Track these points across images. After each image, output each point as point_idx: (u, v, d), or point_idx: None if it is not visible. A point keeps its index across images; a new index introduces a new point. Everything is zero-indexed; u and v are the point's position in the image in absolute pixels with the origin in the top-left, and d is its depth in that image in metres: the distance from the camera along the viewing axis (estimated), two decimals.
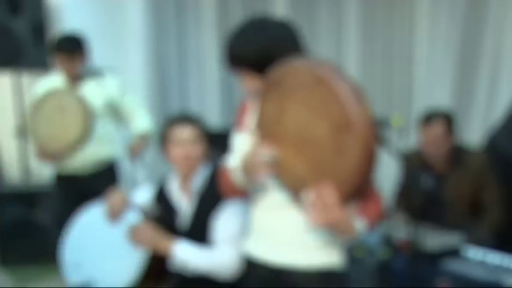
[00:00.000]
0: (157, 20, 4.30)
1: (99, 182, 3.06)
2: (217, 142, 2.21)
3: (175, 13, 4.41)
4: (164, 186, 2.26)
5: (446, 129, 2.77)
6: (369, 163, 1.39)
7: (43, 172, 3.97)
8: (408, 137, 3.65)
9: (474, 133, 3.87)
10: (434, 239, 2.44)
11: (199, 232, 2.09)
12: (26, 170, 4.11)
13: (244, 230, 1.91)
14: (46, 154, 3.02)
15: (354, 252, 2.56)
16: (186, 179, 2.17)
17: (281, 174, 1.54)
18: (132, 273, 2.13)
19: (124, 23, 4.15)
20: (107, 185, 2.59)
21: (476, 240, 2.51)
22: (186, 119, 2.16)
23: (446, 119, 2.79)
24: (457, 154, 2.82)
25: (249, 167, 1.54)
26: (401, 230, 2.54)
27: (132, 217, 2.21)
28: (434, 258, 2.35)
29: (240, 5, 4.43)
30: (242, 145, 1.67)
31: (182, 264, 2.05)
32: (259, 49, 1.55)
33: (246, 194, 1.71)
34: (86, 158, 3.13)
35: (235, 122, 1.75)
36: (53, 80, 3.23)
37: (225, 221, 2.04)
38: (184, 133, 2.11)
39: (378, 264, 2.55)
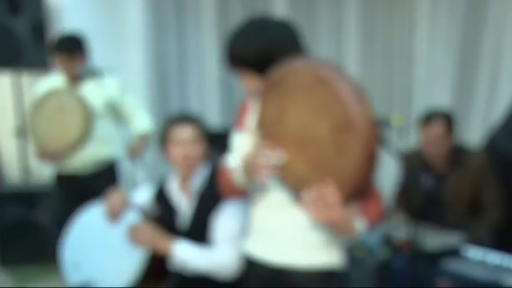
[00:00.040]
0: (157, 20, 4.30)
1: (99, 182, 3.06)
2: (217, 142, 2.21)
3: (175, 13, 4.41)
4: (164, 186, 2.26)
5: (446, 129, 2.77)
6: (369, 163, 1.39)
7: (43, 172, 3.97)
8: (408, 137, 3.65)
9: (474, 133, 3.87)
10: (434, 239, 2.44)
11: (199, 232, 2.09)
12: (26, 170, 4.11)
13: (244, 229, 1.91)
14: (46, 154, 3.02)
15: (354, 252, 2.56)
16: (185, 179, 2.17)
17: (282, 174, 1.54)
18: (132, 273, 2.13)
19: (124, 23, 4.15)
20: (106, 185, 2.59)
21: (476, 240, 2.51)
22: (186, 118, 2.16)
23: (446, 119, 2.79)
24: (457, 154, 2.82)
25: (250, 167, 1.54)
26: (401, 230, 2.54)
27: (132, 217, 2.21)
28: (434, 258, 2.35)
29: (240, 5, 4.43)
30: (242, 145, 1.67)
31: (182, 264, 2.05)
32: (259, 49, 1.55)
33: (245, 194, 1.71)
34: (86, 158, 3.13)
35: (235, 122, 1.75)
36: (53, 80, 3.23)
37: (225, 221, 2.04)
38: (184, 133, 2.11)
39: (378, 264, 2.55)
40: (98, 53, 3.35)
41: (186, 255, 2.04)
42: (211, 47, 4.39)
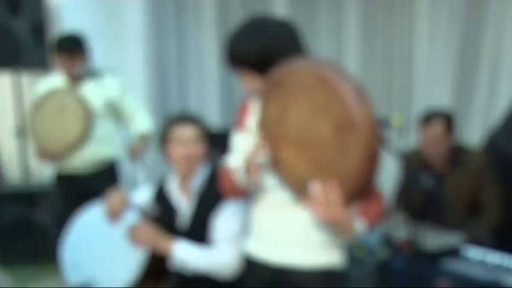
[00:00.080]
0: (157, 20, 4.30)
1: (99, 182, 3.06)
2: (217, 142, 2.21)
3: (175, 13, 4.41)
4: (164, 186, 2.26)
5: (446, 129, 2.77)
6: (371, 163, 1.39)
7: (43, 172, 3.98)
8: (408, 137, 3.65)
9: (474, 133, 3.87)
10: (434, 239, 2.44)
11: (198, 232, 2.09)
12: (26, 169, 4.11)
13: (244, 229, 1.91)
14: (46, 154, 3.02)
15: (354, 252, 2.56)
16: (185, 178, 2.17)
17: (284, 174, 1.54)
18: (132, 273, 2.13)
19: (124, 23, 4.15)
20: (107, 185, 2.59)
21: (475, 240, 2.51)
22: (186, 118, 2.16)
23: (446, 119, 2.79)
24: (457, 154, 2.82)
25: (247, 167, 1.54)
26: (401, 229, 2.54)
27: (132, 217, 2.21)
28: (434, 258, 2.35)
29: (240, 5, 4.43)
30: (243, 145, 1.67)
31: (182, 264, 2.05)
32: (260, 49, 1.55)
33: (247, 194, 1.71)
34: (86, 158, 3.13)
35: (235, 121, 1.75)
36: (53, 80, 3.23)
37: (225, 221, 2.04)
38: (185, 132, 2.11)
39: (378, 264, 2.55)
40: (98, 53, 3.34)
41: (186, 255, 2.04)
42: (211, 47, 4.39)
